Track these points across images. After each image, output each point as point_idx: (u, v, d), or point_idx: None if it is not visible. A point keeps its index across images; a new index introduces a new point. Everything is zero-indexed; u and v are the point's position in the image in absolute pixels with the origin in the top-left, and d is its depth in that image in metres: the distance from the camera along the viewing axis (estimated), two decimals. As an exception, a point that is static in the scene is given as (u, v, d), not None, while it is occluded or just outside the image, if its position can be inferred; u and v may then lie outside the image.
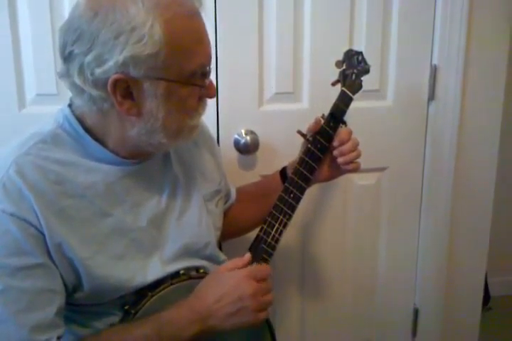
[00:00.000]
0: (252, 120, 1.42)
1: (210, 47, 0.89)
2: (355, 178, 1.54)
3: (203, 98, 0.93)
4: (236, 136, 1.42)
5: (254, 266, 0.97)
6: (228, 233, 1.20)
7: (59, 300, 0.86)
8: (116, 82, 0.82)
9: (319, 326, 1.62)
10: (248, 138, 1.40)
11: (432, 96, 1.54)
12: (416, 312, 1.70)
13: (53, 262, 0.85)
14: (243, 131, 1.41)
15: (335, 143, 1.08)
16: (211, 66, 0.91)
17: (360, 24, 1.45)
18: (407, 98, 1.53)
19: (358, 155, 1.09)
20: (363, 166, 1.12)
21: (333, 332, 1.64)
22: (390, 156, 1.56)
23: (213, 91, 0.93)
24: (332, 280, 1.61)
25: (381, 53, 1.48)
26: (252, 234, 1.05)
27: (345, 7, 1.43)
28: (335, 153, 1.08)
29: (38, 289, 0.83)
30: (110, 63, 0.80)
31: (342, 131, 1.10)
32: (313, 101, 1.45)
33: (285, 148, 1.41)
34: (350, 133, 1.10)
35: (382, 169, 1.57)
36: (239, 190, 1.27)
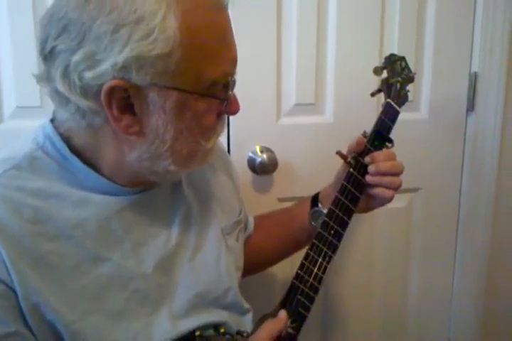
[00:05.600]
0: (268, 136, 1.30)
1: (236, 52, 0.73)
2: (384, 201, 1.40)
3: (222, 115, 0.76)
4: (250, 155, 1.29)
5: None
6: (247, 268, 1.01)
7: None
8: (112, 91, 0.65)
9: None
10: (264, 156, 1.27)
11: (471, 108, 1.45)
12: (451, 347, 1.61)
13: (29, 329, 0.67)
14: (258, 149, 1.29)
15: (366, 159, 0.92)
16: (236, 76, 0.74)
17: (391, 27, 1.35)
18: (444, 110, 1.43)
19: (395, 183, 0.93)
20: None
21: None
22: (423, 175, 1.45)
23: (237, 107, 0.77)
24: (358, 313, 1.49)
25: (415, 60, 1.37)
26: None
27: (376, 10, 1.32)
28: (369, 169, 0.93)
29: None
30: (106, 65, 0.63)
31: (383, 151, 0.95)
32: (338, 114, 1.34)
33: (307, 168, 1.32)
34: (391, 154, 0.95)
35: (414, 190, 1.46)
36: (259, 217, 1.10)
